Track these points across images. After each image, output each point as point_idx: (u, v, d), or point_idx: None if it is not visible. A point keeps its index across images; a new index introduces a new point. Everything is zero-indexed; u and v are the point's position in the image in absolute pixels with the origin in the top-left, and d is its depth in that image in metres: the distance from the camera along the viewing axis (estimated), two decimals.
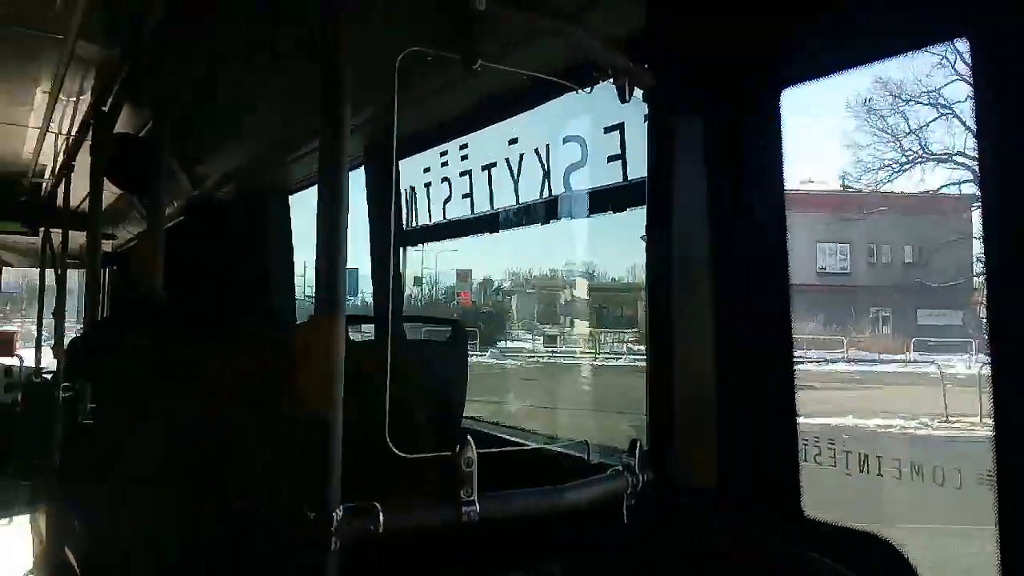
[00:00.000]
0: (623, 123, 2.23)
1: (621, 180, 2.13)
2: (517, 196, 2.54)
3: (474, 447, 1.25)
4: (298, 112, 2.75)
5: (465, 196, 2.78)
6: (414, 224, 3.06)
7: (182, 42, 2.60)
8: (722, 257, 1.72)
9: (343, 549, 1.12)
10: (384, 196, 2.90)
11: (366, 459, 1.19)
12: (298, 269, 3.98)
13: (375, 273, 2.86)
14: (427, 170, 3.08)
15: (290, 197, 3.88)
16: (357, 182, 3.33)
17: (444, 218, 2.92)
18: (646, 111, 1.93)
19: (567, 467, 1.54)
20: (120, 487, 1.93)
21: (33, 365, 6.59)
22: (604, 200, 2.18)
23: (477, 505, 1.24)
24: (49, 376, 5.61)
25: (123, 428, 2.01)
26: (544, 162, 2.43)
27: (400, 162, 3.13)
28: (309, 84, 2.56)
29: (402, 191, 3.09)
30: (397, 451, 1.22)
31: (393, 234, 2.90)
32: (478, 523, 1.23)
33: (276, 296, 3.60)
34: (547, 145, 2.42)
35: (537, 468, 1.57)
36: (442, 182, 2.98)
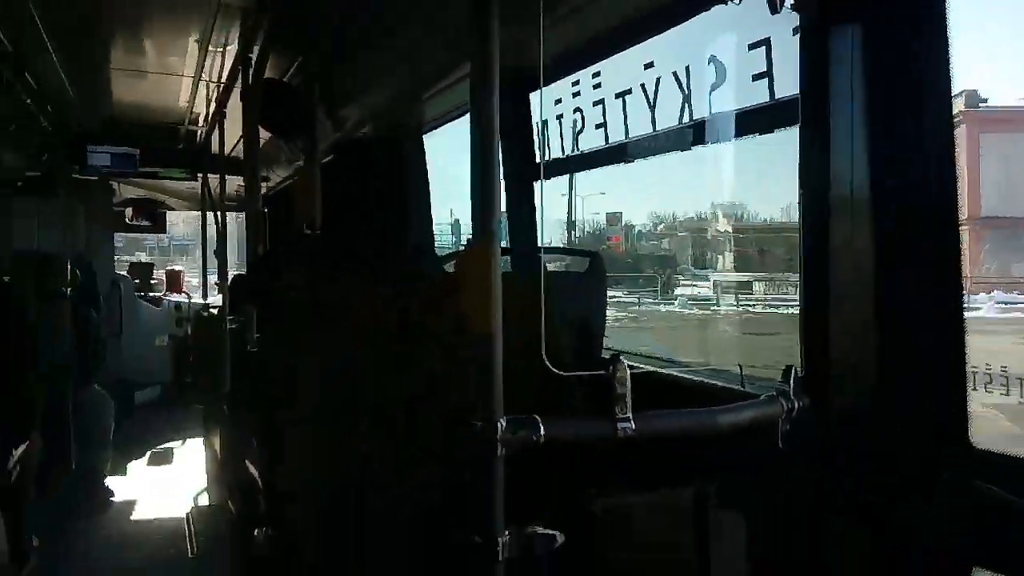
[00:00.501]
0: (768, 38, 2.12)
1: (768, 100, 2.03)
2: (654, 123, 2.49)
3: (627, 367, 1.29)
4: (433, 51, 2.79)
5: (599, 127, 2.75)
6: (547, 157, 3.07)
7: None
8: (882, 176, 1.62)
9: (508, 458, 1.20)
10: (521, 129, 2.92)
11: (524, 377, 1.26)
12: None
13: (513, 206, 2.91)
14: (558, 102, 3.06)
15: (424, 136, 3.99)
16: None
17: (577, 150, 2.91)
18: (795, 23, 1.82)
19: (719, 393, 1.54)
20: (288, 410, 2.08)
21: (200, 301, 7.24)
22: (751, 122, 2.09)
23: (632, 423, 1.28)
24: (215, 311, 6.16)
25: (289, 356, 2.16)
26: (683, 85, 2.35)
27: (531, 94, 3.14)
28: (442, 22, 2.59)
29: (534, 125, 3.09)
30: (554, 369, 1.27)
31: (533, 167, 2.92)
32: (633, 440, 1.27)
33: (417, 231, 3.75)
34: (687, 67, 2.34)
35: (689, 393, 1.58)
36: (574, 112, 2.95)
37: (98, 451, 4.86)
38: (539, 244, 2.87)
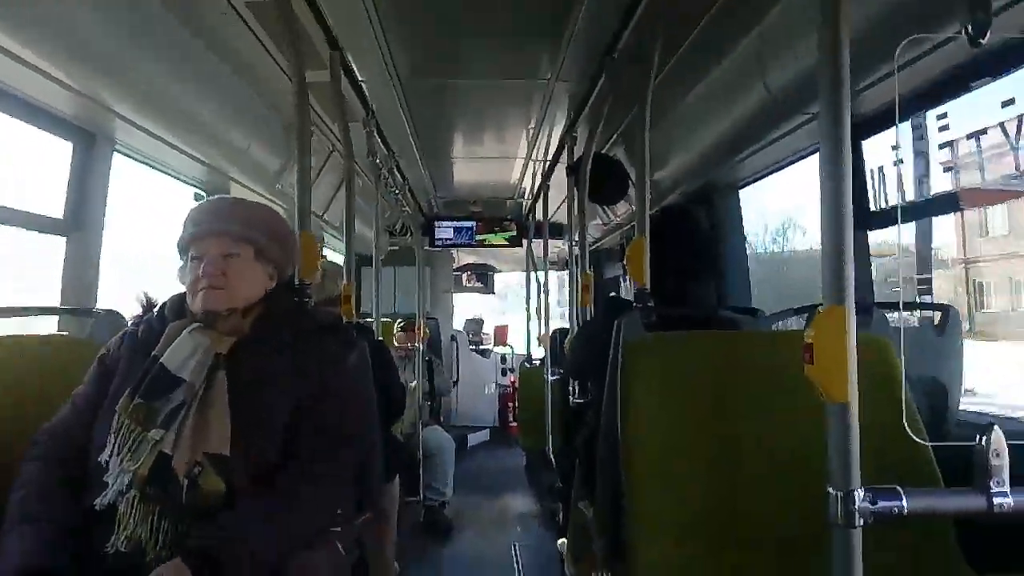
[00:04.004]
0: None
1: None
2: (1017, 162, 2.22)
3: (1003, 437, 1.16)
4: (758, 108, 2.81)
5: (948, 169, 2.52)
6: (883, 206, 2.88)
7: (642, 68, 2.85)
8: None
9: (867, 528, 1.15)
10: (856, 177, 2.77)
11: (883, 446, 1.21)
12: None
13: (856, 257, 2.76)
14: (896, 147, 2.87)
15: (740, 192, 3.98)
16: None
17: (923, 196, 2.69)
18: None
19: None
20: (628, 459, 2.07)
21: (523, 352, 7.91)
22: None
23: (1010, 498, 1.15)
24: (537, 363, 6.68)
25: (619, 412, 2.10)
26: None
27: (863, 143, 2.98)
28: (771, 78, 2.59)
29: (867, 172, 2.92)
30: (915, 438, 1.20)
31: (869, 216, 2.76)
32: (1011, 515, 1.14)
33: (735, 287, 3.73)
34: None
35: None
36: (916, 157, 2.74)
37: (442, 486, 5.47)
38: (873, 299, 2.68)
